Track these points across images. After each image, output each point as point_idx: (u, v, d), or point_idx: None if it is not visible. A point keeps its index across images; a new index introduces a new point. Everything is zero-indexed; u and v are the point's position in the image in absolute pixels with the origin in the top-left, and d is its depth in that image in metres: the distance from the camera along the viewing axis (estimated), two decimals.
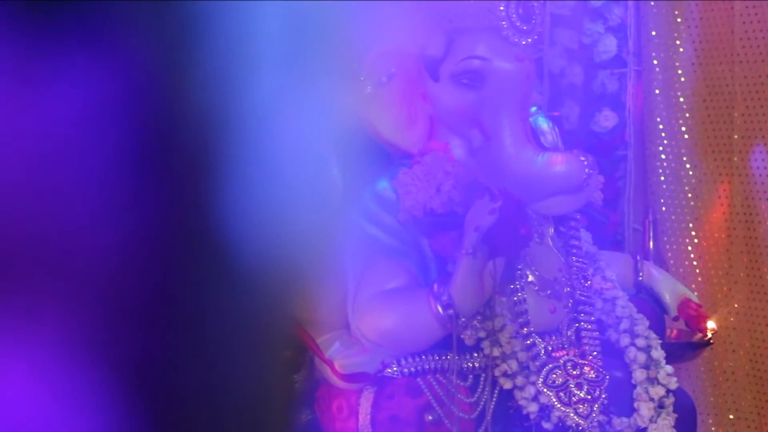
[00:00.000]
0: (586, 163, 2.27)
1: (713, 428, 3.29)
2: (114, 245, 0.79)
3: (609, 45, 3.28)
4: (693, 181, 3.28)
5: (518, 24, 2.25)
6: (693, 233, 3.29)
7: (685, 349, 2.77)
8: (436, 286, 2.11)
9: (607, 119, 3.30)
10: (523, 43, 2.26)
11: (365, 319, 2.17)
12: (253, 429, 0.89)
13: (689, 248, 3.29)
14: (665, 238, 3.28)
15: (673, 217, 3.30)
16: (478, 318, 2.15)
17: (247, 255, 0.84)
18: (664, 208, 3.30)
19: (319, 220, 0.95)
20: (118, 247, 0.79)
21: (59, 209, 0.77)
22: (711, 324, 2.63)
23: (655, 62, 3.29)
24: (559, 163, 2.25)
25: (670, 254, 3.28)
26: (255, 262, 0.85)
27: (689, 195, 3.28)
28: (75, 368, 0.78)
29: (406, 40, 2.29)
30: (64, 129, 0.76)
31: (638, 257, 2.60)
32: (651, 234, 3.08)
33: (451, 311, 2.09)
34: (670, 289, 2.56)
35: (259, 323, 0.90)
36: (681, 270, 3.27)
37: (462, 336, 2.14)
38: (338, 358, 2.18)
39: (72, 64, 0.76)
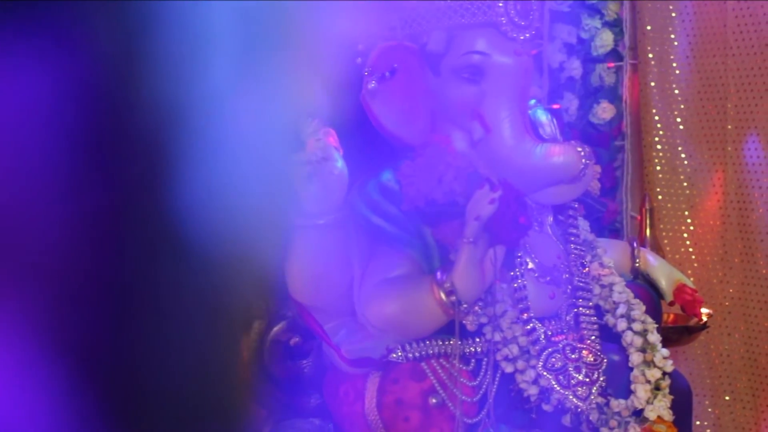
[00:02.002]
0: (583, 153, 2.25)
1: (710, 409, 3.28)
2: (69, 230, 0.78)
3: (606, 39, 3.26)
4: (688, 170, 3.27)
5: (516, 20, 2.24)
6: (689, 221, 3.28)
7: (681, 333, 2.76)
8: (438, 274, 2.10)
9: (604, 111, 3.29)
10: (522, 38, 2.25)
11: (370, 306, 2.16)
12: (213, 406, 0.88)
13: (685, 235, 3.28)
14: (662, 226, 3.28)
15: (669, 205, 3.29)
16: (480, 304, 2.15)
17: (202, 238, 0.83)
18: (660, 197, 3.30)
19: (270, 203, 0.94)
20: (72, 232, 0.78)
21: (13, 194, 0.76)
22: (706, 309, 2.61)
23: (651, 56, 3.28)
24: (557, 154, 2.23)
25: (666, 241, 3.27)
26: (210, 244, 0.84)
27: (685, 184, 3.27)
28: (29, 351, 0.77)
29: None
30: (19, 116, 0.76)
31: (635, 244, 2.58)
32: (648, 222, 3.07)
33: (453, 298, 2.08)
34: (666, 275, 2.55)
35: (214, 303, 0.89)
36: (677, 256, 3.26)
37: (464, 322, 2.13)
38: (345, 343, 2.17)
39: (29, 53, 0.75)
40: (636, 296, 2.36)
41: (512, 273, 2.21)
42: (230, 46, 0.86)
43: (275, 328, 2.27)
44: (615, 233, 3.28)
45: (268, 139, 0.93)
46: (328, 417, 2.29)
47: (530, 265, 2.26)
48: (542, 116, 2.43)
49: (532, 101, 2.46)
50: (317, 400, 2.30)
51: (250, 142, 0.89)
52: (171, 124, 0.83)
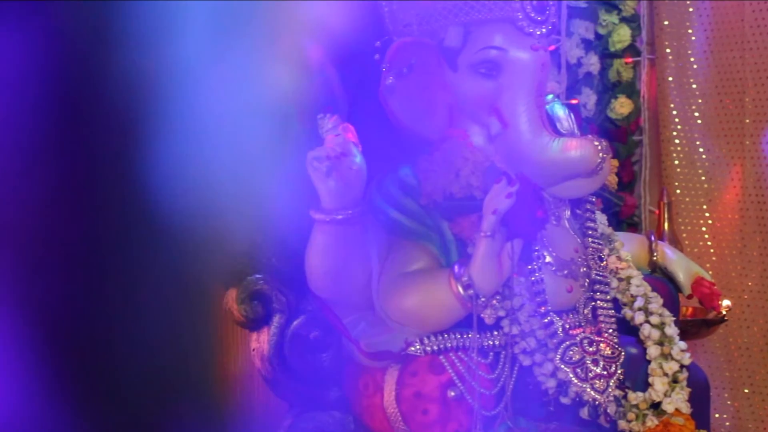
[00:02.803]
0: (600, 147, 2.22)
1: (729, 402, 3.26)
2: (40, 201, 0.77)
3: (623, 35, 3.24)
4: (706, 164, 3.25)
5: (533, 15, 2.22)
6: (707, 214, 3.25)
7: (700, 326, 2.74)
8: (456, 268, 2.08)
9: (622, 106, 3.26)
10: (538, 33, 2.23)
11: (389, 300, 2.15)
12: (180, 375, 0.87)
13: (704, 229, 3.26)
14: (680, 220, 3.25)
15: (687, 200, 3.27)
16: (498, 297, 2.12)
17: (174, 210, 0.82)
18: (678, 191, 3.27)
19: (243, 177, 0.93)
20: (44, 203, 0.77)
21: None
22: (726, 302, 2.59)
23: (668, 51, 3.26)
24: (573, 148, 2.20)
25: (685, 235, 3.25)
26: (181, 216, 0.83)
27: (703, 178, 3.25)
28: None
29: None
30: None
31: (652, 237, 2.55)
32: (666, 215, 3.04)
33: (471, 291, 2.06)
34: (683, 268, 2.52)
35: (186, 275, 0.88)
36: (696, 250, 3.24)
37: (482, 315, 2.11)
38: (364, 337, 2.16)
39: (3, 21, 0.74)
40: (654, 289, 2.33)
41: (530, 267, 2.19)
42: (206, 23, 0.86)
43: (295, 322, 2.26)
44: (633, 227, 3.25)
45: (240, 114, 0.92)
46: (348, 410, 2.28)
47: (548, 259, 2.24)
48: (560, 111, 2.41)
49: (550, 96, 2.44)
50: (337, 393, 2.28)
51: (222, 116, 0.89)
52: (144, 97, 0.82)
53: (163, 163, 0.82)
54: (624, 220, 3.24)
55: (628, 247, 2.43)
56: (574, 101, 3.15)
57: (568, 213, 2.35)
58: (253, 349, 2.29)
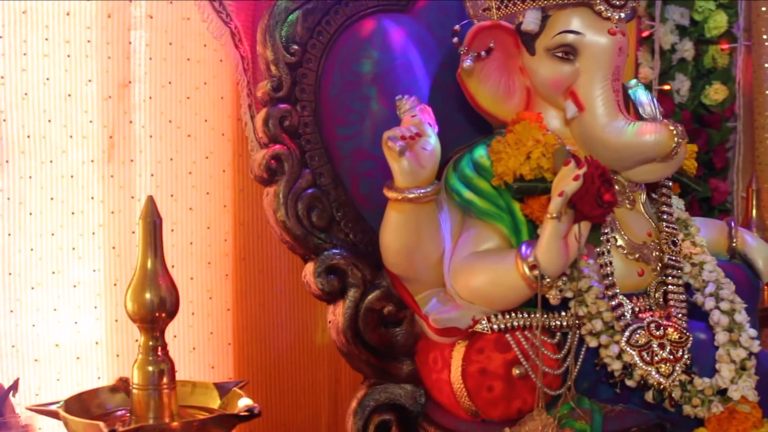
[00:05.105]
0: (675, 132, 2.14)
1: None
2: None
3: (720, 21, 3.11)
4: None
5: None
6: None
7: None
8: (523, 248, 2.03)
9: (717, 93, 3.14)
10: (616, 17, 2.15)
11: (458, 278, 2.12)
12: None
13: None
14: None
15: None
16: (564, 279, 2.06)
17: None
18: None
19: None
20: None
21: None
22: None
23: (765, 37, 3.12)
24: (648, 132, 2.13)
25: None
26: None
27: None
28: None
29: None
30: None
31: (732, 224, 2.44)
32: (754, 202, 2.92)
33: (536, 272, 2.00)
34: (763, 255, 2.39)
35: None
36: None
37: (547, 296, 2.05)
38: (433, 313, 2.13)
39: None
40: (732, 276, 2.23)
41: (599, 249, 2.12)
42: None
43: (369, 296, 2.24)
44: (726, 213, 3.13)
45: None
46: (419, 383, 2.25)
47: (619, 242, 2.17)
48: (643, 96, 2.33)
49: (633, 81, 2.36)
50: (409, 367, 2.26)
51: None
52: None
53: None
54: (716, 207, 3.11)
55: (706, 232, 2.33)
56: (666, 87, 3.06)
57: (643, 197, 2.27)
58: (329, 322, 2.28)
